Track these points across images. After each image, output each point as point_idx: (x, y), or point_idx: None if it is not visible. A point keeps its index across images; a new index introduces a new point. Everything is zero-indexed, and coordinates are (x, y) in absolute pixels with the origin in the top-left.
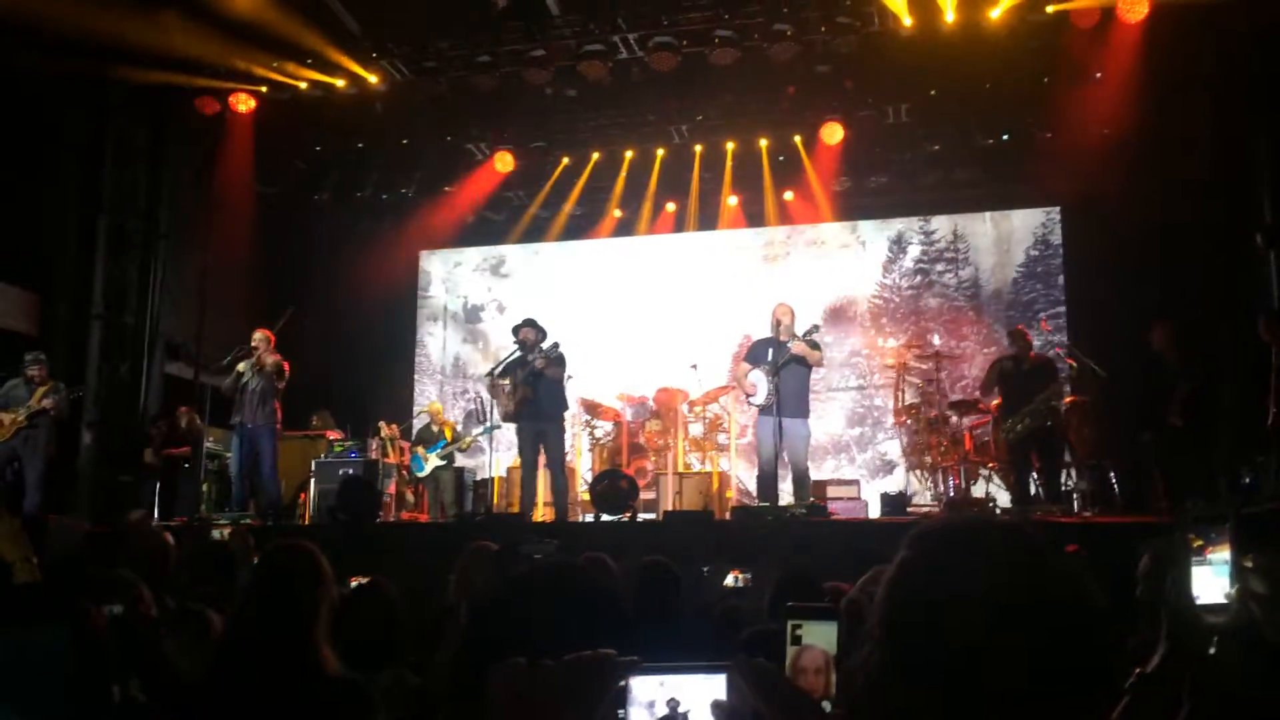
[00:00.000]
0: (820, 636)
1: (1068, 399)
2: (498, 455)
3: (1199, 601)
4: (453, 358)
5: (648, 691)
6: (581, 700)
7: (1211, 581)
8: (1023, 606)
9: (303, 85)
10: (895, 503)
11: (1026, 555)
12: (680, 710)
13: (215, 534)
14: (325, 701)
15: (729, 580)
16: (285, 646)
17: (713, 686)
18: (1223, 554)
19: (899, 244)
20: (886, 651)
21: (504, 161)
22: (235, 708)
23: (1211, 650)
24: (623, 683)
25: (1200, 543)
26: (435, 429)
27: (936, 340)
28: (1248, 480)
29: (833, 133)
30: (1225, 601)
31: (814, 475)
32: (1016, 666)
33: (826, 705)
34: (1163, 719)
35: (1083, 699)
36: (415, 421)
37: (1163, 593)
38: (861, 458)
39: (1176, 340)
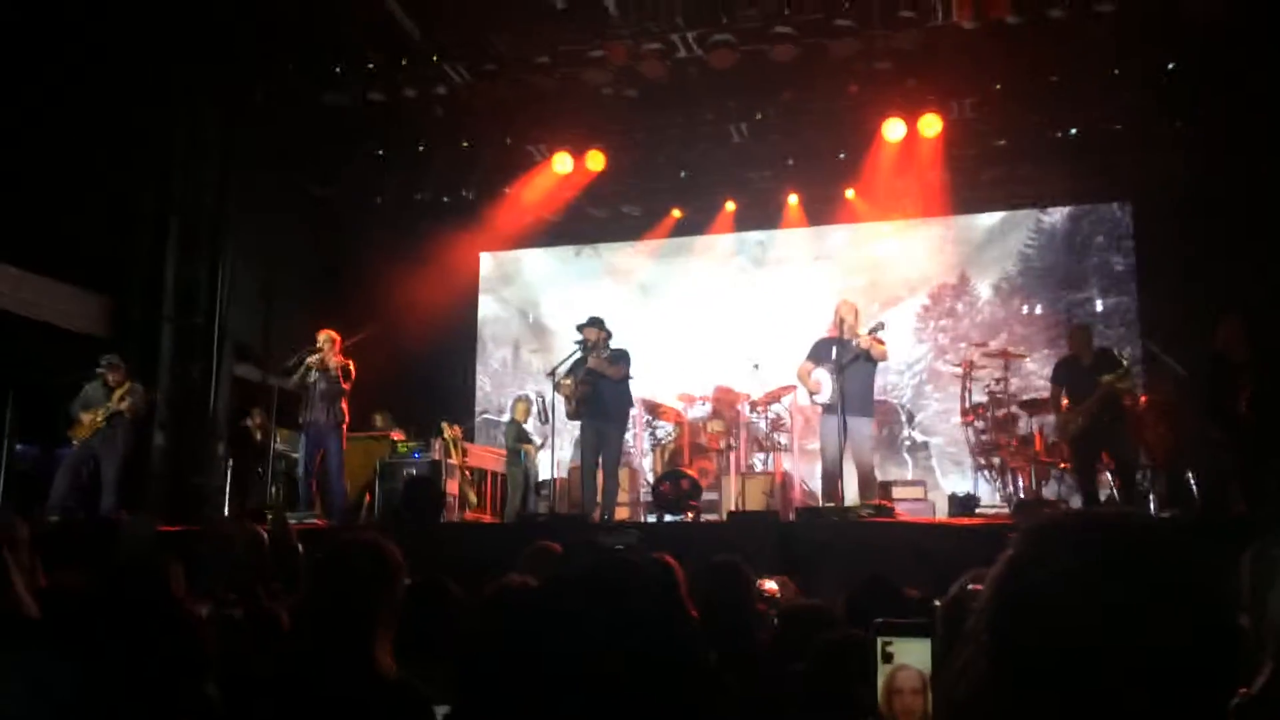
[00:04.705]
0: (913, 654)
1: (1143, 397)
2: (560, 455)
3: None
4: (513, 358)
5: None
6: None
7: None
8: (1144, 607)
9: (366, 89)
10: (963, 504)
11: (1149, 553)
12: None
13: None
14: (378, 705)
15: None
16: (341, 646)
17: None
18: None
19: (959, 242)
20: (993, 656)
21: (563, 163)
22: (291, 709)
23: None
24: None
25: None
26: (527, 427)
27: (1004, 338)
28: None
29: (894, 129)
30: None
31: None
32: (1136, 672)
33: None
34: None
35: (1204, 709)
36: (505, 421)
37: (1266, 608)
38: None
39: (1244, 334)
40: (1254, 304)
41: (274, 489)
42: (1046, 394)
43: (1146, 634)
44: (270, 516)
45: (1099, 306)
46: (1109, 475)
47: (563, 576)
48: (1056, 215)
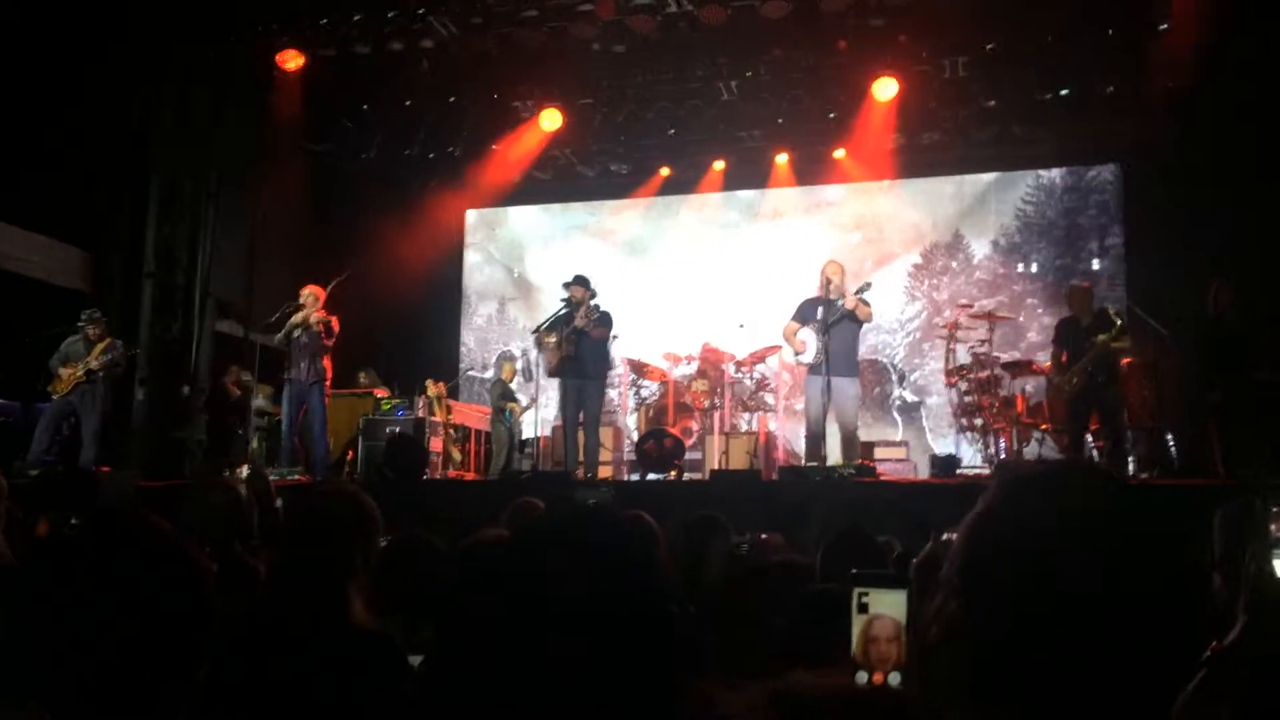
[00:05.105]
0: (889, 605)
1: (1125, 360)
2: (544, 414)
3: None
4: (498, 315)
5: None
6: None
7: None
8: (1116, 554)
9: (350, 43)
10: (945, 464)
11: (1120, 502)
12: None
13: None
14: (352, 655)
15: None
16: (316, 595)
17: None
18: None
19: (952, 201)
20: (966, 600)
21: (550, 119)
22: (264, 659)
23: None
24: None
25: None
26: (513, 386)
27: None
28: None
29: (885, 88)
30: None
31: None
32: (1106, 616)
33: (897, 677)
34: (1240, 693)
35: (1171, 653)
36: (491, 379)
37: (1240, 563)
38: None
39: (1236, 298)
40: (1244, 267)
41: (254, 445)
42: (1030, 356)
43: (1117, 580)
44: (249, 472)
45: (1095, 265)
46: (1090, 437)
47: (531, 527)
48: (1056, 171)
